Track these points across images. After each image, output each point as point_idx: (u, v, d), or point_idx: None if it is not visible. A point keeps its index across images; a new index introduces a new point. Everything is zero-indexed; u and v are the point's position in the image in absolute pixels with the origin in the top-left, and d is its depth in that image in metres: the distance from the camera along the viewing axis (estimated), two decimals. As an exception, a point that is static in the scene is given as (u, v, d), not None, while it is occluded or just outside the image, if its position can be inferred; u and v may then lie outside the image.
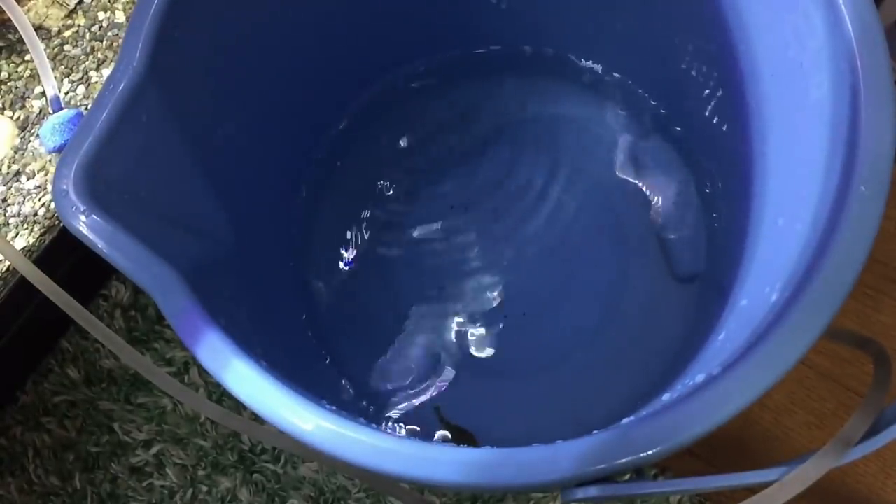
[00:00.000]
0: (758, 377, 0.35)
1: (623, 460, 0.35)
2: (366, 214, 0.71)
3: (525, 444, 0.37)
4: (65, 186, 0.43)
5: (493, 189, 0.70)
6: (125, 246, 0.41)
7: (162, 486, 0.71)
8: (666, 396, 0.47)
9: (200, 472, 0.71)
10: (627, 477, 0.41)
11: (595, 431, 0.37)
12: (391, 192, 0.72)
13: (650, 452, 0.35)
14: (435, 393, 0.64)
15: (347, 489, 0.69)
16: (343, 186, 0.72)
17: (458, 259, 0.68)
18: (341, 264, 0.69)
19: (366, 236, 0.70)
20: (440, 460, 0.35)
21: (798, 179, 0.44)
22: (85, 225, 0.42)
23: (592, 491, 0.36)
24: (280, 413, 0.37)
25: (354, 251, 0.70)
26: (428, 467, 0.35)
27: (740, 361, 0.36)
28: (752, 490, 0.37)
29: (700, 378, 0.38)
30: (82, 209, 0.42)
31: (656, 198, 0.67)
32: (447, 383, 0.64)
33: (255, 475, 0.71)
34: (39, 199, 0.67)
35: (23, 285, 0.65)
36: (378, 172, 0.73)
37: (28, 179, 0.68)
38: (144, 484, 0.72)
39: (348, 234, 0.70)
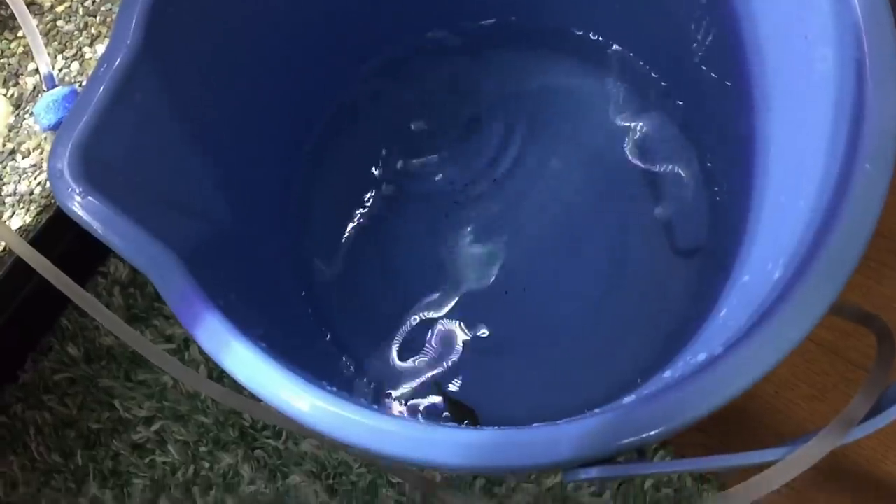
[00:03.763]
0: (761, 357, 0.35)
1: (625, 441, 0.35)
2: (364, 191, 0.70)
3: (526, 421, 0.37)
4: (60, 166, 0.42)
5: (493, 164, 0.70)
6: (121, 228, 0.41)
7: (164, 463, 0.72)
8: (668, 373, 0.47)
9: (202, 449, 0.71)
10: (629, 457, 0.41)
11: (597, 410, 0.37)
12: (389, 168, 0.71)
13: (652, 433, 0.35)
14: (435, 369, 0.64)
15: (349, 464, 0.69)
16: (341, 164, 0.71)
17: (457, 235, 0.68)
18: (340, 241, 0.69)
19: (364, 213, 0.70)
20: (439, 442, 0.35)
21: (801, 156, 0.43)
22: (80, 206, 0.41)
23: (594, 472, 0.36)
24: (279, 395, 0.37)
25: (353, 228, 0.69)
26: (427, 450, 0.35)
27: (743, 341, 0.36)
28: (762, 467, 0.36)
29: (702, 357, 0.38)
30: (78, 190, 0.41)
31: (657, 171, 0.66)
32: (448, 359, 0.64)
33: (257, 451, 0.71)
34: (35, 178, 0.66)
35: (20, 264, 0.65)
36: (376, 149, 0.72)
37: (23, 158, 0.67)
38: (146, 460, 0.72)
39: (347, 211, 0.70)
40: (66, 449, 0.73)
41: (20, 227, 0.65)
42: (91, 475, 0.72)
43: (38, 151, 0.67)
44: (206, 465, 0.71)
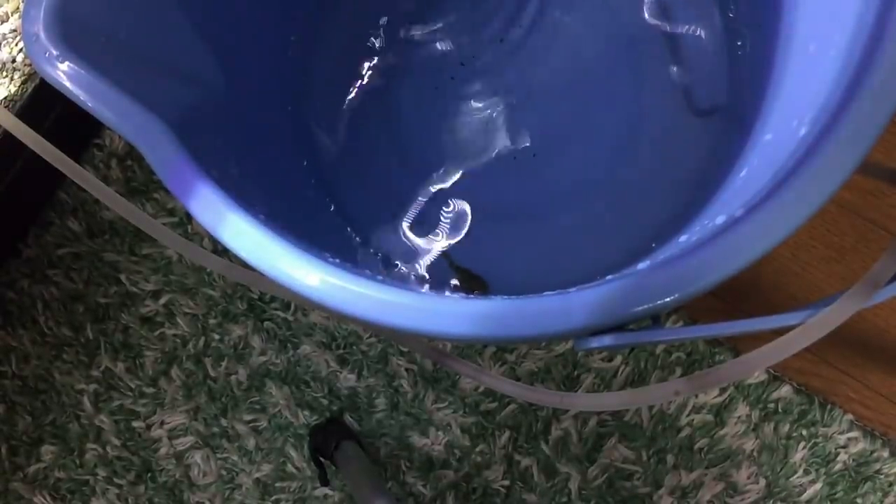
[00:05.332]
0: (785, 217, 0.33)
1: (639, 308, 0.33)
2: (366, 53, 0.67)
3: (537, 289, 0.35)
4: (35, 30, 0.39)
5: (503, 23, 0.65)
6: (104, 94, 0.38)
7: (174, 335, 0.72)
8: (683, 238, 0.46)
9: (211, 321, 0.71)
10: (642, 323, 0.39)
11: (610, 277, 0.36)
12: (392, 29, 0.67)
13: (668, 300, 0.33)
14: (443, 237, 0.62)
15: (359, 335, 0.69)
16: (341, 24, 0.67)
17: (464, 98, 0.64)
18: (342, 107, 0.66)
19: (367, 76, 0.66)
20: (449, 313, 0.34)
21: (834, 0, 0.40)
22: (59, 72, 0.38)
23: (607, 340, 0.35)
24: (281, 268, 0.36)
25: (356, 93, 0.66)
26: (437, 321, 0.34)
27: (766, 201, 0.33)
28: (777, 332, 0.35)
29: (720, 220, 0.36)
30: (56, 54, 0.39)
31: (676, 26, 0.62)
32: (456, 226, 0.62)
33: (266, 323, 0.71)
34: (17, 44, 0.62)
35: (10, 137, 0.62)
36: (378, 9, 0.68)
37: (2, 23, 0.63)
38: (156, 333, 0.72)
39: (349, 75, 0.66)
40: (75, 323, 0.73)
41: (5, 98, 0.62)
42: (102, 348, 0.72)
43: (17, 15, 0.63)
44: (217, 336, 0.71)
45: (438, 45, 0.66)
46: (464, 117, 0.64)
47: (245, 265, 0.38)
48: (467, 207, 0.62)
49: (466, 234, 0.62)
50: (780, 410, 0.66)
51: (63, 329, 0.72)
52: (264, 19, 0.62)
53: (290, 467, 0.70)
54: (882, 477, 0.64)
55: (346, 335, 0.69)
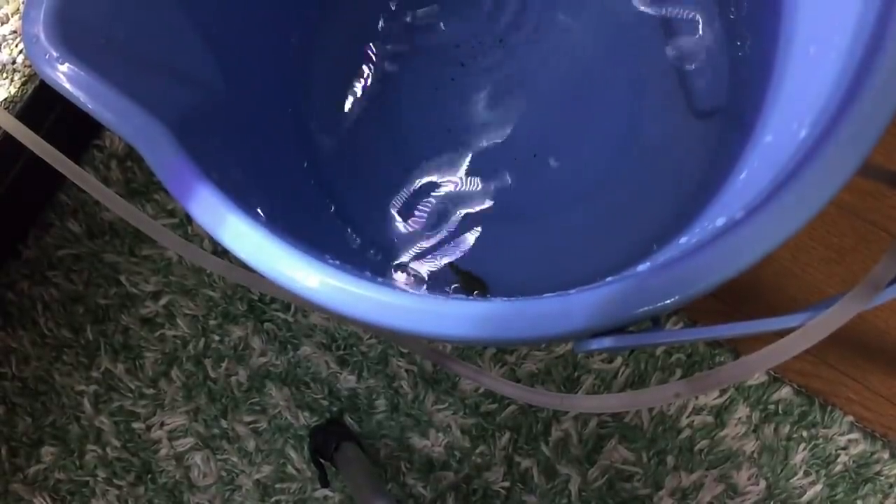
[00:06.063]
0: (785, 220, 0.33)
1: (639, 310, 0.33)
2: (366, 53, 0.67)
3: (537, 291, 0.35)
4: (35, 31, 0.39)
5: (504, 24, 0.65)
6: (104, 95, 0.38)
7: (174, 336, 0.72)
8: (683, 239, 0.46)
9: (212, 322, 0.71)
10: (643, 325, 0.39)
11: (610, 279, 0.36)
12: (392, 29, 0.67)
13: (668, 302, 0.33)
14: (442, 238, 0.62)
15: (359, 335, 0.69)
16: (341, 25, 0.67)
17: (464, 99, 0.64)
18: (343, 108, 0.66)
19: (367, 77, 0.66)
20: (449, 315, 0.34)
21: (835, 1, 0.40)
22: (59, 73, 0.38)
23: (607, 342, 0.35)
24: (281, 269, 0.36)
25: (356, 93, 0.66)
26: (436, 322, 0.34)
27: (767, 203, 0.33)
28: (777, 334, 0.35)
29: (721, 222, 0.36)
30: (56, 56, 0.39)
31: (677, 27, 0.62)
32: (456, 228, 0.62)
33: (266, 324, 0.70)
34: (17, 46, 0.62)
35: (10, 138, 0.62)
36: (378, 8, 0.68)
37: (2, 25, 0.63)
38: (156, 334, 0.72)
39: (349, 76, 0.66)
40: (75, 324, 0.73)
41: (5, 100, 0.62)
42: (102, 350, 0.72)
43: (17, 17, 0.63)
44: (217, 338, 0.71)
45: (439, 46, 0.66)
46: (464, 118, 0.64)
47: (245, 266, 0.38)
48: (467, 207, 0.62)
49: (466, 235, 0.62)
50: (780, 412, 0.66)
51: (63, 330, 0.72)
52: (264, 20, 0.62)
53: (290, 468, 0.70)
54: (882, 478, 0.64)
55: (346, 336, 0.69)
